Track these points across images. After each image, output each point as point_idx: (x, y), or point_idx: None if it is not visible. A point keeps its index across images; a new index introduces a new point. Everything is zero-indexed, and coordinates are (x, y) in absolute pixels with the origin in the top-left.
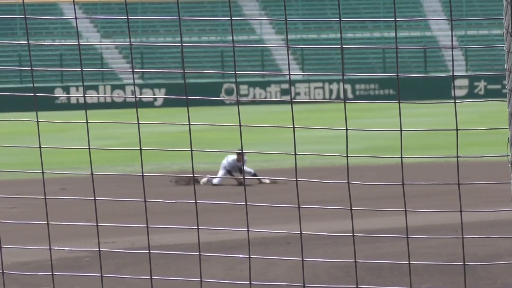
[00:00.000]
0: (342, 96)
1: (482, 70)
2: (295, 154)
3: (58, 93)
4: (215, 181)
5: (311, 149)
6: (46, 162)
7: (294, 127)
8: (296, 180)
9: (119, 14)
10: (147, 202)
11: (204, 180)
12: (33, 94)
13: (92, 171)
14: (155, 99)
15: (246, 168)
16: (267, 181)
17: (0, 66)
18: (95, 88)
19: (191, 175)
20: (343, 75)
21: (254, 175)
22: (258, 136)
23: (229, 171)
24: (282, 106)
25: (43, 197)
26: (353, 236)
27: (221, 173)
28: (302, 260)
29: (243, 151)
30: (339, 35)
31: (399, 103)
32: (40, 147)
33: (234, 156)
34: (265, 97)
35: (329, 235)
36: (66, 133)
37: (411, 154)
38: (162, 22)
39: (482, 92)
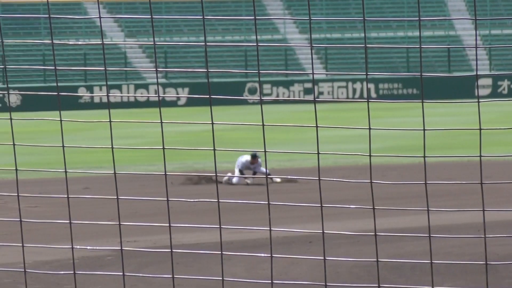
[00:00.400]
0: (365, 95)
1: (506, 69)
2: (318, 153)
3: (82, 92)
4: (234, 180)
5: (333, 149)
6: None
7: (317, 126)
8: (319, 180)
9: (143, 14)
10: (169, 201)
11: (225, 178)
12: (56, 93)
13: (115, 171)
14: (178, 98)
15: (262, 169)
16: (278, 180)
17: (25, 65)
18: (119, 87)
19: (204, 175)
20: (366, 75)
21: (269, 175)
22: (281, 135)
23: (240, 171)
24: (305, 106)
25: (66, 196)
26: (376, 235)
27: (236, 172)
28: (324, 259)
29: (257, 155)
30: (363, 35)
31: (422, 102)
32: (63, 146)
33: (248, 157)
34: (288, 96)
35: (351, 234)
36: (89, 132)
37: (433, 154)
38: (186, 22)
39: (505, 92)
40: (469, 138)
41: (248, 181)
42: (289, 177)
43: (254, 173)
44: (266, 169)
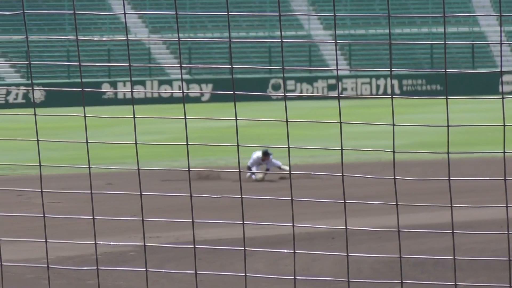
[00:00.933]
0: (389, 91)
1: None
2: (342, 149)
3: (106, 88)
4: (258, 176)
5: (357, 145)
6: (92, 157)
7: (341, 123)
8: (342, 176)
9: (167, 10)
10: (192, 197)
11: (248, 175)
12: (81, 89)
13: (138, 166)
14: (202, 94)
15: (274, 162)
16: (286, 168)
17: (49, 61)
18: (142, 83)
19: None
20: (391, 71)
21: (279, 167)
22: (304, 131)
23: (249, 167)
24: (328, 102)
25: (89, 192)
26: (398, 231)
27: (254, 169)
28: (347, 255)
29: (269, 152)
30: (387, 31)
31: (446, 98)
32: (87, 142)
33: (260, 154)
34: (312, 93)
35: (373, 230)
36: (113, 128)
37: (457, 150)
38: (210, 18)
39: None
40: (493, 135)
41: (255, 176)
42: (312, 173)
43: (267, 170)
44: (274, 162)
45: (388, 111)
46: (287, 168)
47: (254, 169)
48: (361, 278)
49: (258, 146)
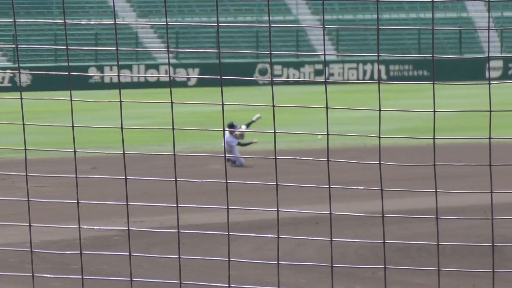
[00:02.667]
0: (376, 77)
1: None
2: (328, 134)
3: (92, 72)
4: (240, 161)
5: (343, 130)
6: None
7: (327, 108)
8: (328, 161)
9: None
10: (177, 182)
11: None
12: (67, 73)
13: (124, 151)
14: (188, 79)
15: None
16: (255, 140)
17: (36, 45)
18: (129, 67)
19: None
20: (378, 56)
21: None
22: (291, 116)
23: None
24: (315, 87)
25: (74, 176)
26: (383, 216)
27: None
28: (331, 240)
29: (234, 123)
30: (375, 16)
31: (433, 84)
32: (73, 126)
33: (227, 134)
34: (299, 78)
35: (358, 216)
36: (99, 113)
37: (443, 135)
38: (198, 2)
39: None
40: (479, 120)
41: (238, 161)
42: (297, 158)
43: (238, 144)
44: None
45: (374, 96)
46: (256, 141)
47: (234, 153)
48: (345, 263)
49: (245, 131)
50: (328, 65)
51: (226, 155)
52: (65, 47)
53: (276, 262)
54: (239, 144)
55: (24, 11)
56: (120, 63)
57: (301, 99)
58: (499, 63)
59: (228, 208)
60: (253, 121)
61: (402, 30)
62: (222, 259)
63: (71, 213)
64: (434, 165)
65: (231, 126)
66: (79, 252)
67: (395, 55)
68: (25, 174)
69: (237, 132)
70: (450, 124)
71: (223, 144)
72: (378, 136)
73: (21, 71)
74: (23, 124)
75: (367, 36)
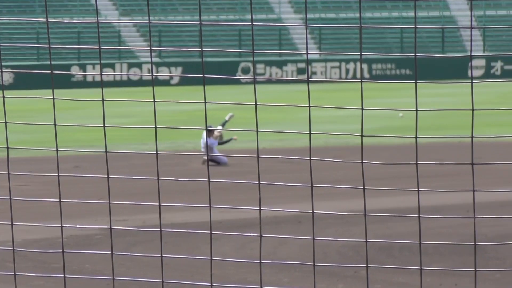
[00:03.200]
0: (358, 75)
1: (499, 50)
2: (310, 133)
3: (75, 71)
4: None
5: (326, 129)
6: (60, 139)
7: (309, 106)
8: (310, 159)
9: None
10: (160, 180)
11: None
12: (50, 71)
13: (106, 149)
14: (171, 77)
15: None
16: (235, 137)
17: (18, 43)
18: (112, 66)
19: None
20: (360, 55)
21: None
22: (273, 115)
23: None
24: (298, 86)
25: (56, 174)
26: (365, 215)
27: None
28: (313, 239)
29: (213, 126)
30: (357, 15)
31: (415, 83)
32: (55, 125)
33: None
34: (282, 76)
35: (340, 215)
36: (82, 111)
37: (426, 134)
38: (181, 1)
39: (498, 73)
40: (461, 119)
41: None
42: (280, 157)
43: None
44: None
45: (357, 95)
46: (228, 116)
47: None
48: (327, 262)
49: (227, 130)
50: (310, 63)
51: (209, 157)
52: (48, 46)
53: (259, 261)
54: (219, 143)
55: (6, 9)
56: (102, 61)
57: (284, 97)
58: (482, 62)
59: (210, 207)
60: (226, 121)
61: (384, 28)
62: (204, 258)
63: (53, 211)
64: (417, 164)
65: (209, 129)
66: (61, 251)
67: (377, 54)
68: (7, 172)
69: (216, 134)
70: (433, 123)
71: (201, 146)
72: (360, 135)
73: (3, 70)
74: (5, 122)
75: (350, 35)
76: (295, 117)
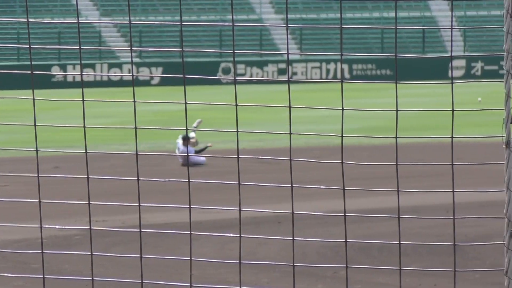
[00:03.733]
0: (339, 76)
1: (480, 51)
2: (290, 133)
3: (55, 71)
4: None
5: (306, 129)
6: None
7: (290, 107)
8: (290, 160)
9: None
10: (139, 181)
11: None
12: (30, 72)
13: (86, 150)
14: (152, 77)
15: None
16: (210, 144)
17: None
18: (92, 66)
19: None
20: (341, 55)
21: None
22: (254, 115)
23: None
24: (279, 86)
25: (36, 175)
26: (345, 216)
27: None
28: (293, 239)
29: (190, 136)
30: (338, 15)
31: (396, 83)
32: (35, 125)
33: (182, 146)
34: (262, 77)
35: (320, 215)
36: (62, 111)
37: (406, 135)
38: (162, 1)
39: (479, 73)
40: (442, 120)
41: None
42: (260, 157)
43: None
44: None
45: (337, 95)
46: (210, 144)
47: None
48: (307, 262)
49: (207, 130)
50: (291, 64)
51: (189, 162)
52: (28, 46)
53: (238, 261)
54: (196, 152)
55: None
56: (83, 62)
57: (264, 98)
58: (462, 62)
59: (190, 207)
60: (195, 127)
61: (365, 29)
62: (183, 258)
63: (33, 212)
64: (397, 164)
65: (185, 138)
66: (40, 251)
67: (358, 54)
68: None
69: (192, 140)
70: (413, 124)
71: (176, 152)
72: (340, 135)
73: None
74: None
75: (331, 35)
76: (275, 118)
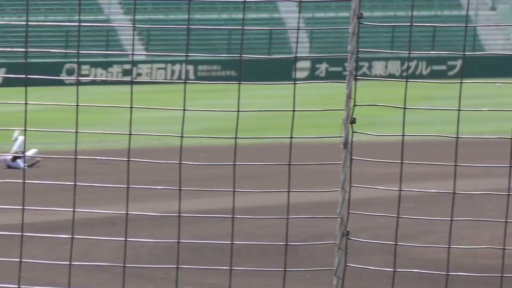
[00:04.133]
0: (183, 77)
1: (325, 52)
2: (130, 134)
3: None
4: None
5: (149, 130)
6: None
7: (131, 107)
8: (128, 160)
9: None
10: None
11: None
12: None
13: None
14: None
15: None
16: (38, 159)
17: None
18: None
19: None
20: (186, 56)
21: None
22: (96, 116)
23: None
24: (123, 87)
25: None
26: (179, 216)
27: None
28: (125, 240)
29: (15, 155)
30: (187, 16)
31: (239, 83)
32: None
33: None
34: (107, 77)
35: (155, 216)
36: None
37: (247, 135)
38: (9, 1)
39: (323, 74)
40: (284, 121)
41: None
42: (98, 158)
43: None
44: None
45: (182, 96)
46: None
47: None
48: (139, 263)
49: (48, 130)
50: (136, 65)
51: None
52: None
53: (69, 263)
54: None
55: None
56: None
57: (109, 99)
58: (307, 64)
59: (23, 209)
60: (16, 138)
61: (212, 30)
62: (13, 260)
63: None
64: (234, 164)
65: (14, 159)
66: None
67: (203, 54)
68: None
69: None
70: (255, 124)
71: (15, 149)
72: (180, 136)
73: None
74: None
75: (178, 37)
76: (118, 118)
